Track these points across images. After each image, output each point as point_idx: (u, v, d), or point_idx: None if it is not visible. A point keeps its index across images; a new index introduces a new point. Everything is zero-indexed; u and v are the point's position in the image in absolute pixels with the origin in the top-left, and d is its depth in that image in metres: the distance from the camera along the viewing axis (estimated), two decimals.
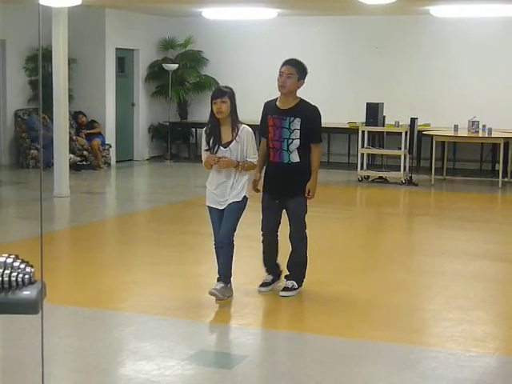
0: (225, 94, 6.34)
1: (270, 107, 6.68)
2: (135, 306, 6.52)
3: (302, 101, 6.61)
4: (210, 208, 6.53)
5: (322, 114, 6.67)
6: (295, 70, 6.51)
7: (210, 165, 6.43)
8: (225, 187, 6.42)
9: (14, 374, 4.90)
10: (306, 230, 6.77)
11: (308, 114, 6.57)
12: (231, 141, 6.36)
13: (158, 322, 6.02)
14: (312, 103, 6.65)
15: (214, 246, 6.60)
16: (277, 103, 6.63)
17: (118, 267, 7.90)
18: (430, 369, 5.11)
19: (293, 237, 6.74)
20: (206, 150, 6.46)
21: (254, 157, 6.43)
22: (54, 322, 5.86)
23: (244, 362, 5.22)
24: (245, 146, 6.37)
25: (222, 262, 6.52)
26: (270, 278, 6.89)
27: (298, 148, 6.54)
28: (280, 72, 6.53)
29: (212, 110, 6.36)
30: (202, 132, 6.56)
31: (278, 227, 6.79)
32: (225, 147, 6.37)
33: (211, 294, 6.43)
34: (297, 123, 6.50)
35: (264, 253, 6.88)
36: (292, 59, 6.62)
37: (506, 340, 5.86)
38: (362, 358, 5.36)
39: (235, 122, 6.37)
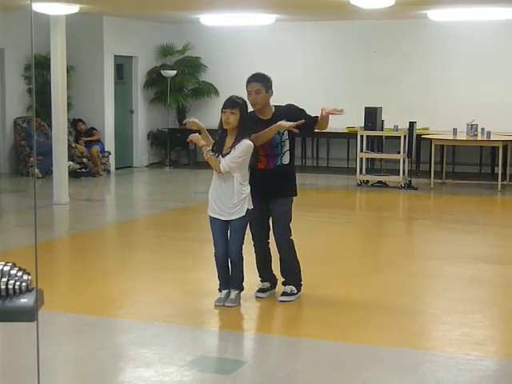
0: (236, 105, 6.28)
1: (252, 118, 6.59)
2: (134, 312, 6.52)
3: (276, 107, 6.66)
4: (212, 218, 6.52)
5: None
6: (261, 84, 6.53)
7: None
8: (225, 198, 6.39)
9: (12, 383, 4.90)
10: (292, 236, 6.75)
11: (289, 113, 6.59)
12: (228, 153, 6.32)
13: (157, 329, 6.02)
14: (283, 104, 6.71)
15: (214, 257, 6.60)
16: (258, 115, 6.61)
17: (117, 274, 7.91)
18: (430, 372, 5.11)
19: (279, 241, 6.73)
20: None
21: (225, 163, 6.27)
22: (54, 329, 5.87)
23: (243, 367, 5.22)
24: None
25: (234, 275, 6.55)
26: (267, 284, 6.91)
27: (288, 149, 6.59)
28: (248, 91, 6.55)
29: (221, 119, 6.33)
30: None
31: (268, 235, 6.81)
32: (223, 157, 6.33)
33: (228, 306, 6.48)
34: None
35: (257, 262, 6.90)
36: (255, 75, 6.64)
37: (506, 343, 5.87)
38: (361, 362, 5.36)
39: (240, 135, 6.29)
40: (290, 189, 6.73)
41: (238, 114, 6.26)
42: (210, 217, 6.51)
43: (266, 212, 6.69)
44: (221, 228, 6.46)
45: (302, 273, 6.85)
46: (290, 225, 6.72)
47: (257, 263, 6.89)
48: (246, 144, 6.29)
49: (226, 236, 6.50)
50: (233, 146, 6.29)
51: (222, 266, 6.57)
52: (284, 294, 6.75)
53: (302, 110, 6.68)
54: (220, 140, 6.41)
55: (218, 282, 6.62)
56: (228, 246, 6.48)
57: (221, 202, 6.41)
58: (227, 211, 6.39)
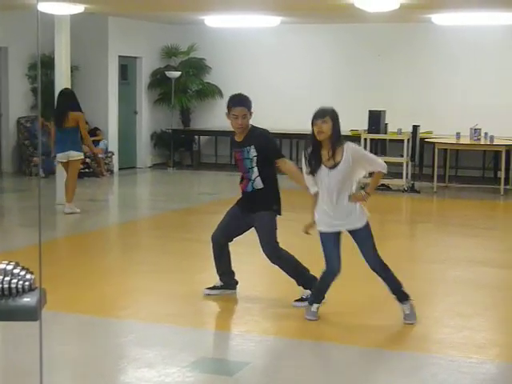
0: (326, 114, 6.03)
1: (233, 142, 6.76)
2: (137, 313, 6.52)
3: (251, 128, 6.63)
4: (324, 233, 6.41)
5: None
6: (247, 109, 6.52)
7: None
8: (339, 209, 6.22)
9: (14, 382, 4.91)
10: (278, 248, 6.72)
11: (257, 138, 6.58)
12: (339, 162, 6.03)
13: (159, 330, 6.03)
14: (261, 127, 6.68)
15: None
16: (235, 137, 6.68)
17: (119, 274, 7.91)
18: (431, 375, 5.12)
19: (268, 257, 6.71)
20: (308, 174, 6.14)
21: (379, 164, 6.18)
22: (56, 328, 5.87)
23: (245, 368, 5.22)
24: (356, 162, 6.09)
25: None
26: (220, 283, 6.98)
27: (258, 175, 6.56)
28: (234, 115, 6.51)
29: (313, 132, 6.03)
30: (302, 155, 6.24)
31: (227, 239, 6.81)
32: (331, 169, 6.03)
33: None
34: (253, 151, 6.54)
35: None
36: (240, 99, 6.58)
37: (507, 346, 5.86)
38: (363, 364, 5.37)
39: (336, 143, 6.06)
40: (266, 204, 6.64)
41: (330, 123, 6.02)
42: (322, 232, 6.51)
43: (240, 222, 6.72)
44: (333, 241, 6.54)
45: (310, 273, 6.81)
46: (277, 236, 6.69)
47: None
48: (353, 145, 6.21)
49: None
50: (341, 155, 6.05)
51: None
52: (299, 299, 6.72)
53: (270, 144, 6.68)
54: (313, 155, 6.07)
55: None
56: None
57: (338, 211, 6.24)
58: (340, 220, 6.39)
